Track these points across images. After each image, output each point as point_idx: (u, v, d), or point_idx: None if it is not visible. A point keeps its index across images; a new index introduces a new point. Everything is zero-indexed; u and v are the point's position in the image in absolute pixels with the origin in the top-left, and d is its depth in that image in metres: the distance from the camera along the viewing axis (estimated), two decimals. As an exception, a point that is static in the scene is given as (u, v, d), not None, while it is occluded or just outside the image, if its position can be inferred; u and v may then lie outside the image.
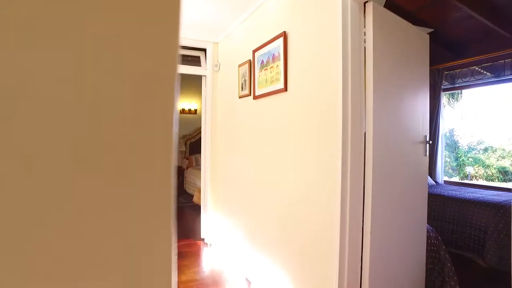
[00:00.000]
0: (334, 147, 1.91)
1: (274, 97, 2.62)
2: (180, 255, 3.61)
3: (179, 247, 3.87)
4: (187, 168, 5.80)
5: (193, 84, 6.15)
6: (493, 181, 6.40)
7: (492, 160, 6.58)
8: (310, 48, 2.18)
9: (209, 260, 3.55)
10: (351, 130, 1.85)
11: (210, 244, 4.00)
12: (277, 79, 2.54)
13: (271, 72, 2.64)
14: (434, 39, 3.88)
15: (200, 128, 5.58)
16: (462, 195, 3.71)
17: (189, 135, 6.29)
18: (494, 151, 6.62)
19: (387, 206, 2.00)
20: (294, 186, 2.35)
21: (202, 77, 4.07)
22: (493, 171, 6.53)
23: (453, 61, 4.76)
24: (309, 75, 2.19)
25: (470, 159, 6.86)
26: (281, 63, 2.48)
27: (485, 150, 6.77)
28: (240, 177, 3.29)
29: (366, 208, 1.89)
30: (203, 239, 4.12)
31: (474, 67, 4.73)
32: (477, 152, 6.98)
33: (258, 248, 2.85)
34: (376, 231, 1.89)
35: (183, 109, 7.46)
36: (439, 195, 3.83)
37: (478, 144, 6.96)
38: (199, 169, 4.77)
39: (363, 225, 1.91)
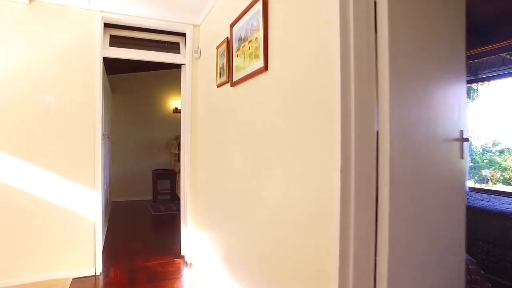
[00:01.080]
0: (330, 151, 1.27)
1: (253, 81, 1.99)
2: (154, 277, 2.99)
3: (153, 266, 3.25)
4: (178, 172, 5.36)
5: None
6: (511, 185, 5.81)
7: (510, 162, 6.01)
8: (298, 15, 1.54)
9: (187, 284, 2.91)
10: (356, 127, 1.19)
11: (191, 264, 3.36)
12: (256, 56, 1.90)
13: (249, 48, 2.00)
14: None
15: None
16: (498, 207, 2.99)
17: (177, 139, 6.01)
18: (511, 153, 6.04)
19: (412, 231, 1.33)
20: (278, 204, 1.71)
21: (182, 66, 3.47)
22: (511, 174, 5.92)
23: (479, 47, 4.05)
24: (296, 51, 1.55)
25: (486, 161, 6.30)
26: (260, 34, 1.85)
27: (501, 152, 6.18)
28: (219, 187, 2.66)
29: (381, 235, 1.23)
30: (183, 257, 3.49)
31: (505, 54, 4.01)
32: (493, 154, 6.41)
33: (239, 276, 2.20)
34: (397, 271, 1.22)
35: (176, 108, 6.82)
36: (467, 206, 3.11)
37: (493, 145, 6.36)
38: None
39: (375, 258, 1.25)
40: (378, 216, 1.22)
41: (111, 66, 4.99)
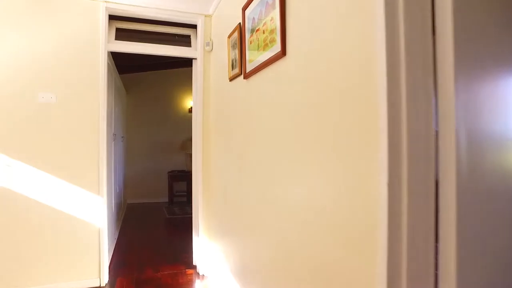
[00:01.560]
0: (371, 153, 0.94)
1: (269, 70, 1.67)
2: (163, 289, 2.75)
3: (163, 277, 3.00)
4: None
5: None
6: None
7: None
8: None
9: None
10: (408, 125, 0.86)
11: (203, 275, 3.09)
12: (272, 40, 1.59)
13: (264, 32, 1.69)
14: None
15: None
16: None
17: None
18: None
19: (485, 264, 0.97)
20: (301, 213, 1.39)
21: (193, 61, 3.20)
22: None
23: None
24: (322, 30, 1.22)
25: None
26: (276, 12, 1.53)
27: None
28: (234, 191, 2.37)
29: (445, 271, 0.89)
30: (195, 267, 3.23)
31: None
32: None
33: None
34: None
35: (191, 108, 6.60)
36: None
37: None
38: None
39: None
40: (440, 248, 0.88)
41: (124, 65, 4.82)
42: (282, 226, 1.54)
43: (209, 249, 3.10)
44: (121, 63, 3.95)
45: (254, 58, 1.83)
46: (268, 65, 1.66)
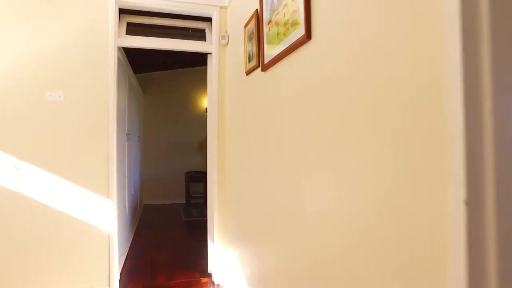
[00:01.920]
0: (433, 159, 0.70)
1: (290, 58, 1.45)
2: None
3: (176, 286, 2.83)
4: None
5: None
6: None
7: None
8: None
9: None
10: (494, 125, 0.61)
11: (219, 285, 2.90)
12: (295, 22, 1.36)
13: (284, 15, 1.47)
14: None
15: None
16: None
17: None
18: None
19: None
20: (333, 224, 1.16)
21: (208, 56, 3.02)
22: None
23: None
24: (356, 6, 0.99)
25: None
26: (299, -11, 1.31)
27: None
28: (252, 195, 2.16)
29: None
30: (210, 275, 3.04)
31: None
32: None
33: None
34: None
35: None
36: None
37: None
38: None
39: None
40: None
41: (140, 65, 4.72)
42: (309, 235, 1.31)
43: (225, 256, 2.91)
44: (137, 63, 3.84)
45: (273, 46, 1.61)
46: (290, 53, 1.43)
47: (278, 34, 1.56)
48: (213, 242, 2.96)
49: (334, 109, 1.11)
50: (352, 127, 1.01)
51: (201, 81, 6.30)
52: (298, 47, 1.34)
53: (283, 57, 1.49)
